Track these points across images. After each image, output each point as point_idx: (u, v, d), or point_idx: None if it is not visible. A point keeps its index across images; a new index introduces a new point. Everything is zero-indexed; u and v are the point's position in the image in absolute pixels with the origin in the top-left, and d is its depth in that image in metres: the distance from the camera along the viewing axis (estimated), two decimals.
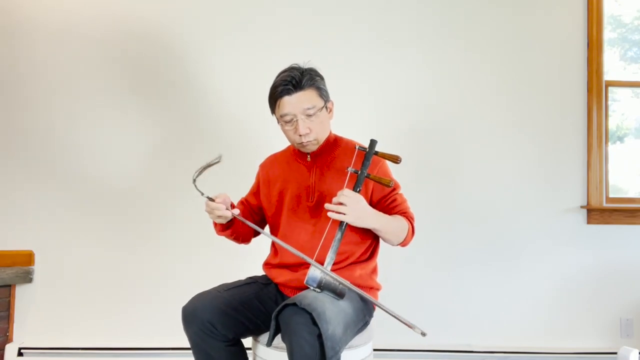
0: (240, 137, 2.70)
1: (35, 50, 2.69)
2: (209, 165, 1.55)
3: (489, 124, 2.75)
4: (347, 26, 2.75)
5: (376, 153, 1.55)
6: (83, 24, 2.70)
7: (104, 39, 2.70)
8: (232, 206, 1.60)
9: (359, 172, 1.53)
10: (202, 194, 1.54)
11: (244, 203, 1.79)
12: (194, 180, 1.53)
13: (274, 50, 2.70)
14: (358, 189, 1.51)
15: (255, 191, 1.80)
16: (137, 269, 2.67)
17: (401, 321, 1.35)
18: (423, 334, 1.31)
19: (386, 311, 1.37)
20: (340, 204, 1.45)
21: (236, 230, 1.70)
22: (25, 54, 2.68)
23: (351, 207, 1.45)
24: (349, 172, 1.53)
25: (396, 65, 2.75)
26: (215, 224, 1.67)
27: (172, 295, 2.61)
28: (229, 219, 1.58)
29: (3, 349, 2.55)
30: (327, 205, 1.46)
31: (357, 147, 1.58)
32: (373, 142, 1.56)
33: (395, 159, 1.53)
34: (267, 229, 1.79)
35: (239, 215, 1.57)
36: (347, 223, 1.47)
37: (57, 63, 2.69)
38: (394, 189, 1.64)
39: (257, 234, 1.79)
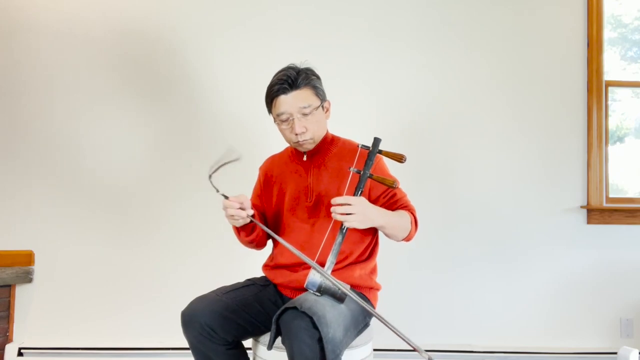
0: (239, 136, 2.69)
1: (35, 51, 2.68)
2: (226, 163, 1.47)
3: (489, 124, 2.75)
4: (347, 25, 2.75)
5: (380, 152, 1.49)
6: (82, 24, 2.69)
7: (103, 38, 2.70)
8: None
9: (362, 172, 1.47)
10: (218, 190, 1.48)
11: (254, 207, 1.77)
12: (210, 176, 1.47)
13: (274, 49, 2.70)
14: (361, 190, 1.47)
15: (259, 193, 1.78)
16: (137, 269, 2.66)
17: (406, 342, 1.28)
18: None
19: (389, 327, 1.31)
20: (342, 205, 1.40)
21: (257, 236, 1.66)
22: (25, 54, 2.68)
23: (356, 213, 1.40)
24: (351, 172, 1.49)
25: (396, 64, 2.75)
26: (237, 230, 1.63)
27: (172, 295, 2.61)
28: (243, 220, 1.52)
29: (3, 349, 2.55)
30: (333, 208, 1.41)
31: (359, 146, 1.53)
32: (377, 141, 1.50)
33: (400, 158, 1.47)
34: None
35: (253, 216, 1.51)
36: (347, 227, 1.43)
37: (56, 63, 2.69)
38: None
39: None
